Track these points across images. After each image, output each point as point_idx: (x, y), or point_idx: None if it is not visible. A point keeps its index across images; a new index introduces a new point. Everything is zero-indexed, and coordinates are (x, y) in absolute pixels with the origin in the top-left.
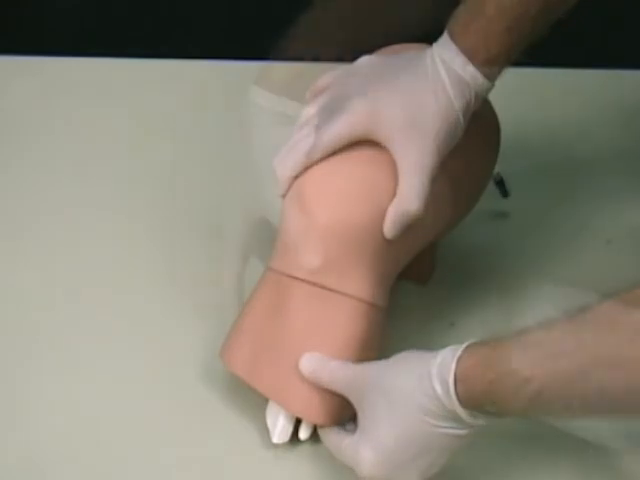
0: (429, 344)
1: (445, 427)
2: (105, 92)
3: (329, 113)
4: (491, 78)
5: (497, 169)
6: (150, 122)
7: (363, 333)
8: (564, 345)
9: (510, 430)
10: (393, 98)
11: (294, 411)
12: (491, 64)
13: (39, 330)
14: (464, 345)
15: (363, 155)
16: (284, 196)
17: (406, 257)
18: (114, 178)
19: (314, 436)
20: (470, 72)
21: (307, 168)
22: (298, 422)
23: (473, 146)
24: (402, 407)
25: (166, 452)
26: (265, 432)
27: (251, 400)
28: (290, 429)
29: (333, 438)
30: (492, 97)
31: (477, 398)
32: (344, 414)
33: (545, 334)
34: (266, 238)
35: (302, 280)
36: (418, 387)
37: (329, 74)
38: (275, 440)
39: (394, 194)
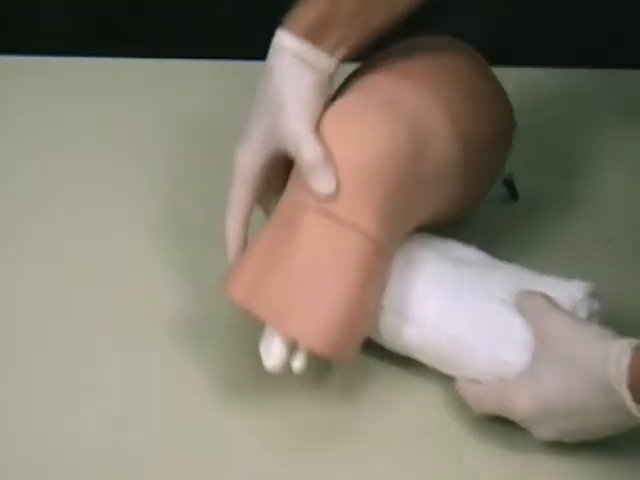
0: None
1: (608, 410)
2: (105, 92)
3: None
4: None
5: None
6: (150, 122)
7: (367, 271)
8: None
9: None
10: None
11: (294, 333)
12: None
13: (39, 330)
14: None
15: (385, 94)
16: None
17: (414, 215)
18: (114, 178)
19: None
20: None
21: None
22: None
23: (489, 118)
24: (575, 376)
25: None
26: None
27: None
28: (285, 353)
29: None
30: None
31: None
32: (344, 350)
33: None
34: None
35: (313, 207)
36: (596, 364)
37: None
38: (269, 364)
39: (414, 134)
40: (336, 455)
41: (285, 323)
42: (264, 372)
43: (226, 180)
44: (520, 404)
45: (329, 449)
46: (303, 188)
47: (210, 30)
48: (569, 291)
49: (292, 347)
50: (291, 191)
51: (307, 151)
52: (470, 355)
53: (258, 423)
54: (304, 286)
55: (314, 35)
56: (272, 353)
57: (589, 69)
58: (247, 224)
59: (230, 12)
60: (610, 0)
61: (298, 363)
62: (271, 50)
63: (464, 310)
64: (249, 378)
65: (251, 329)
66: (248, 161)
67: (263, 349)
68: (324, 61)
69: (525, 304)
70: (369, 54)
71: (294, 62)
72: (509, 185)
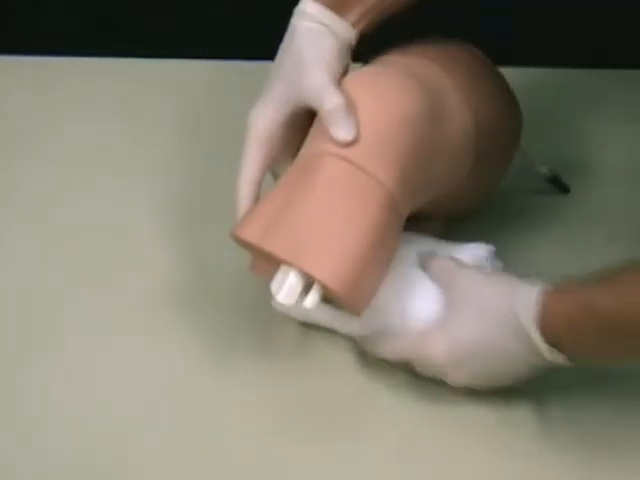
0: None
1: (522, 353)
2: (105, 92)
3: None
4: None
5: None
6: (150, 122)
7: (380, 222)
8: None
9: None
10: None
11: (309, 268)
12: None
13: (38, 328)
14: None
15: (405, 67)
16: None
17: (428, 182)
18: (114, 178)
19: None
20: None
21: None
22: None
23: (499, 112)
24: (489, 321)
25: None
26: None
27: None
28: (299, 289)
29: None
30: None
31: (558, 333)
32: (356, 296)
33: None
34: None
35: (333, 152)
36: (507, 308)
37: None
38: (281, 298)
39: (434, 101)
40: (334, 435)
41: (300, 259)
42: (264, 352)
43: (226, 180)
44: (436, 350)
45: (328, 429)
46: (323, 137)
47: (210, 30)
48: (473, 252)
49: (305, 288)
50: (310, 144)
51: (329, 101)
52: (379, 310)
53: (256, 401)
54: (320, 226)
55: (338, 6)
56: (284, 288)
57: (589, 69)
58: (259, 185)
59: (230, 12)
60: (610, 0)
61: (311, 301)
62: (294, 15)
63: None
64: (249, 357)
65: (252, 309)
66: (264, 122)
67: (274, 287)
68: (346, 29)
69: (433, 266)
70: (378, 54)
71: (317, 27)
72: (555, 180)
